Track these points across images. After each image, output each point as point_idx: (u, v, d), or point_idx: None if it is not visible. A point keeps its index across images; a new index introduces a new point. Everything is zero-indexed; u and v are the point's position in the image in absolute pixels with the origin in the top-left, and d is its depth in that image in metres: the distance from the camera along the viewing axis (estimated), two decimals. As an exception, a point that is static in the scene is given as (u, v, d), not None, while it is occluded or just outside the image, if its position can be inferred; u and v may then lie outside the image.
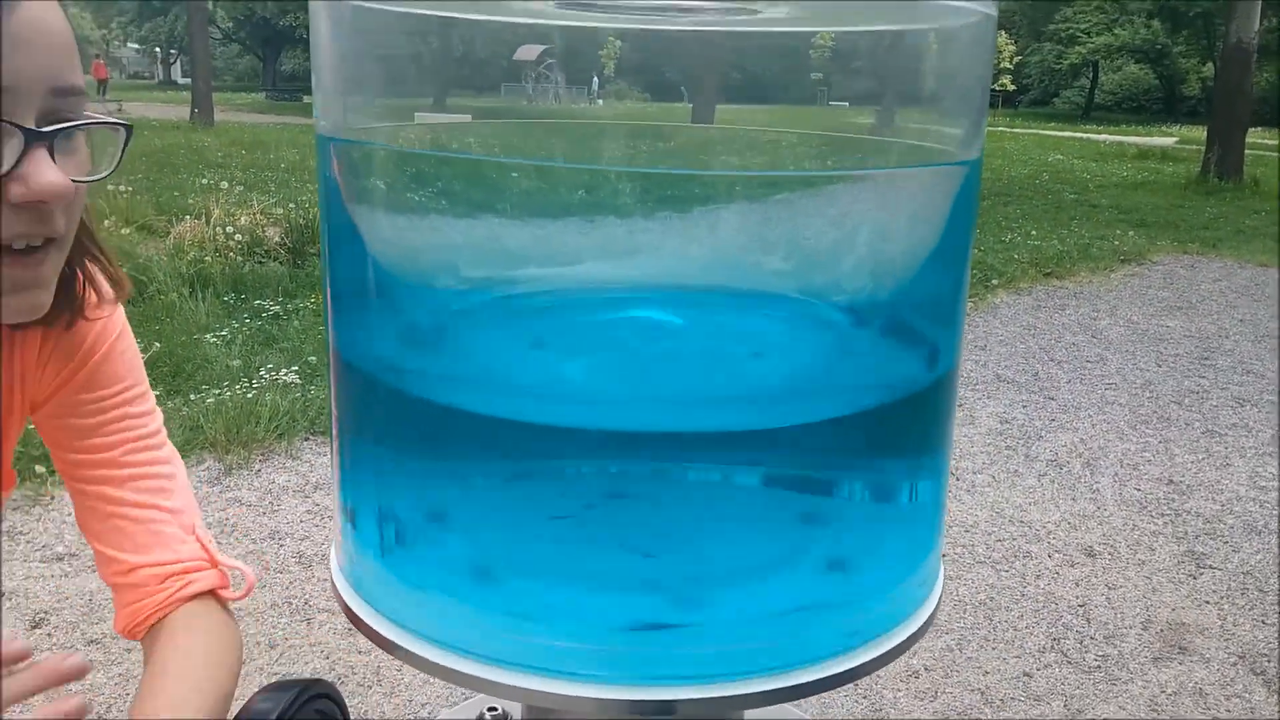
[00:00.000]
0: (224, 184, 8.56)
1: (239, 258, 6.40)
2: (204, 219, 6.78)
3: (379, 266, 0.56)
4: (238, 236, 6.55)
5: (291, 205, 7.57)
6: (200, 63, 22.53)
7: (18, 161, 0.71)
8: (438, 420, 0.54)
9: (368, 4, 0.53)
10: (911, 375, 0.55)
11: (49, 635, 2.62)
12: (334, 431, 0.66)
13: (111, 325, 1.01)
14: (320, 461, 3.75)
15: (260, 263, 6.46)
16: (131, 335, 1.03)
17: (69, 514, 3.25)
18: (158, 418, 1.04)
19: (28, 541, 3.10)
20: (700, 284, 0.57)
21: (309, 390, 4.32)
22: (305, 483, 3.59)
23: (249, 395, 4.15)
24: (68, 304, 0.90)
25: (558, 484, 0.52)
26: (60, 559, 3.00)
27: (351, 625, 0.65)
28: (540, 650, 0.54)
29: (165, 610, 0.95)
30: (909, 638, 0.60)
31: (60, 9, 0.75)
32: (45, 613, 2.72)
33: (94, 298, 0.95)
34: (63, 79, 0.74)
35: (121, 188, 7.71)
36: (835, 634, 0.56)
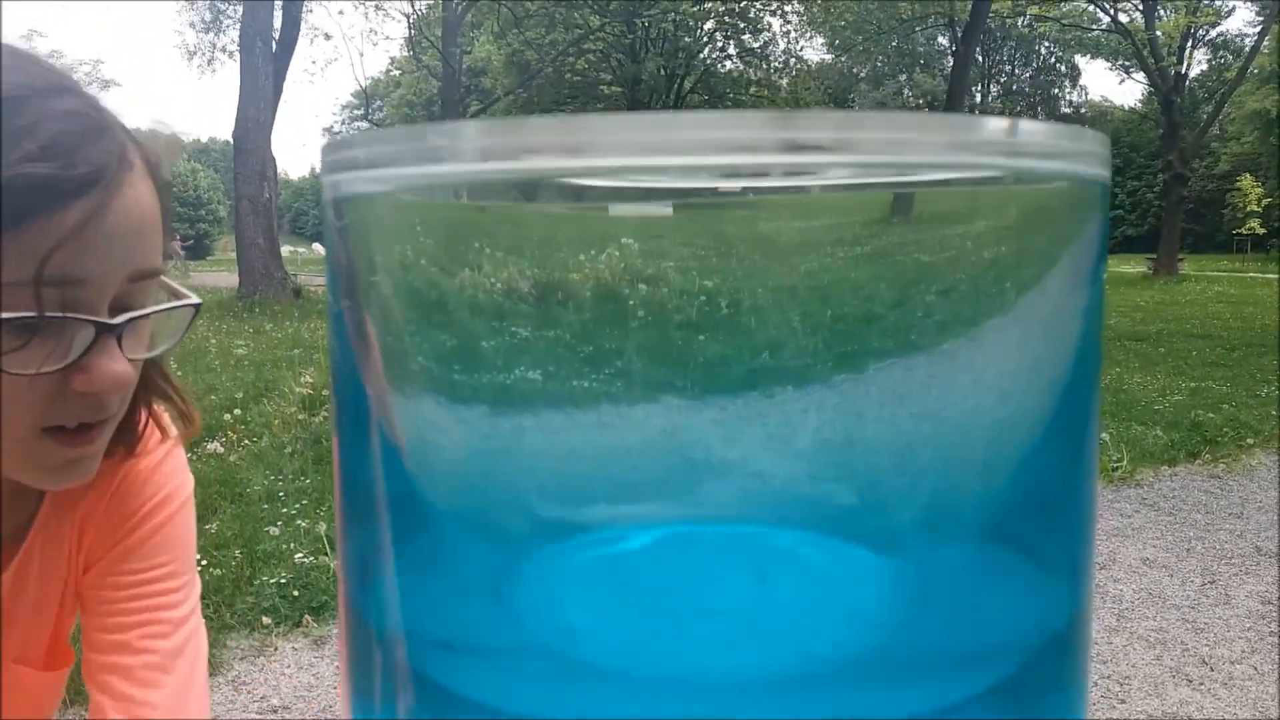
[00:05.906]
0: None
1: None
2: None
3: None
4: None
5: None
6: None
7: (85, 351, 0.70)
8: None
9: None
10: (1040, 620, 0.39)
11: (255, 789, 2.71)
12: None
13: (175, 494, 0.98)
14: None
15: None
16: (193, 505, 1.00)
17: (289, 664, 3.41)
18: (190, 594, 0.98)
19: (248, 692, 3.27)
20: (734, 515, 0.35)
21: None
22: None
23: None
24: (124, 440, 0.89)
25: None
26: (274, 711, 3.14)
27: None
28: None
29: None
30: None
31: (153, 188, 0.76)
32: (254, 765, 2.81)
33: (156, 435, 0.94)
34: (143, 265, 0.74)
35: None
36: None
